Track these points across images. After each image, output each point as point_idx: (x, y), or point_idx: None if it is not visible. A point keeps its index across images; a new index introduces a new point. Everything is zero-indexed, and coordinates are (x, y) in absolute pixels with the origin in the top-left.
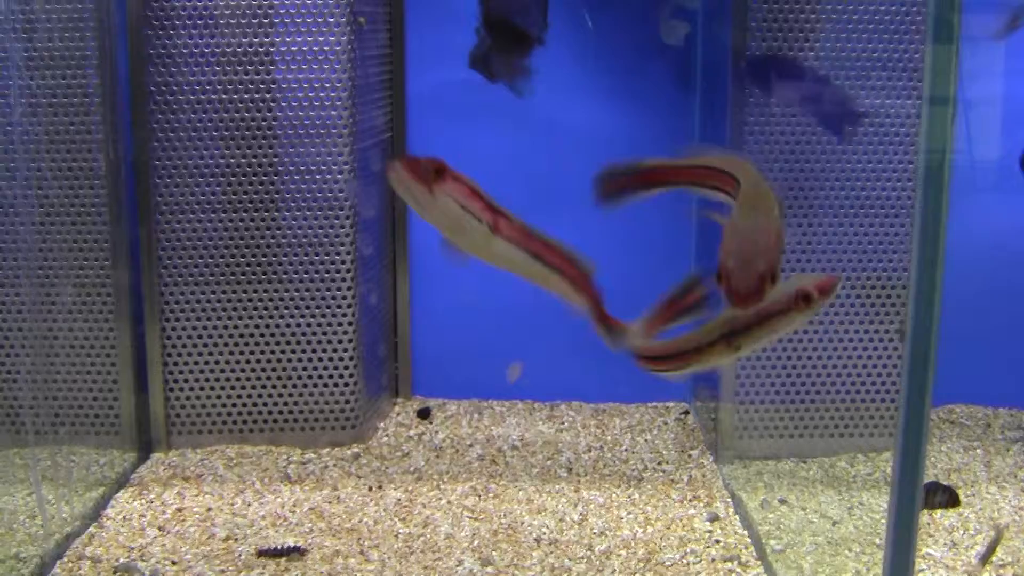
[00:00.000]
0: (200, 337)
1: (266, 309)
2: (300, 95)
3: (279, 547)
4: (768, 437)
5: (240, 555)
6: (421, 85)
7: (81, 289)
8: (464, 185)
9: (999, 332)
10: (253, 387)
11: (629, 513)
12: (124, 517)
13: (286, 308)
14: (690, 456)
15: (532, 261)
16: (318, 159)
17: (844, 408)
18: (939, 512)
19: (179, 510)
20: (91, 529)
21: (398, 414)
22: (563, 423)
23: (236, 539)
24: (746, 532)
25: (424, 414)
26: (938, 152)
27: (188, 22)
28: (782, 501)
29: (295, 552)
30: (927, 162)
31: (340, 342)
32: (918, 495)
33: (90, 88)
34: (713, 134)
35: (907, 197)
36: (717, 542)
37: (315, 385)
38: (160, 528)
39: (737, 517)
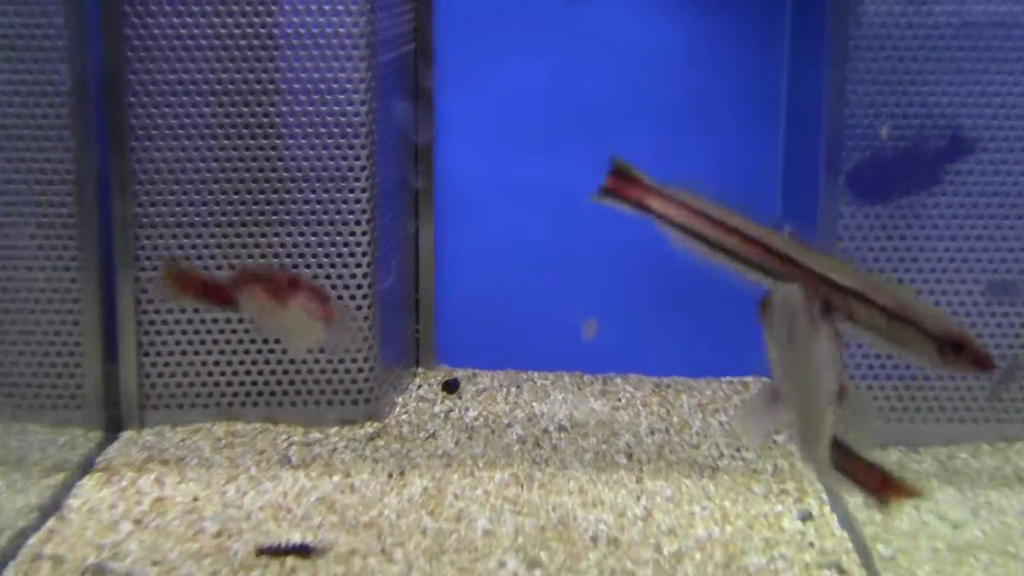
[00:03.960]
0: None
1: (263, 256)
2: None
3: (283, 544)
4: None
5: (236, 553)
6: None
7: (39, 231)
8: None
9: None
10: (246, 352)
11: (703, 509)
12: (91, 508)
13: (287, 255)
14: (775, 442)
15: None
16: (328, 75)
17: (966, 388)
18: None
19: (158, 500)
20: (50, 523)
21: (419, 387)
22: (619, 400)
23: (230, 535)
24: (846, 534)
25: (451, 387)
26: None
27: None
28: None
29: (302, 550)
30: None
31: (352, 298)
32: None
33: (55, 75)
34: (806, 54)
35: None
36: (811, 545)
37: (321, 351)
38: (136, 521)
39: (834, 516)
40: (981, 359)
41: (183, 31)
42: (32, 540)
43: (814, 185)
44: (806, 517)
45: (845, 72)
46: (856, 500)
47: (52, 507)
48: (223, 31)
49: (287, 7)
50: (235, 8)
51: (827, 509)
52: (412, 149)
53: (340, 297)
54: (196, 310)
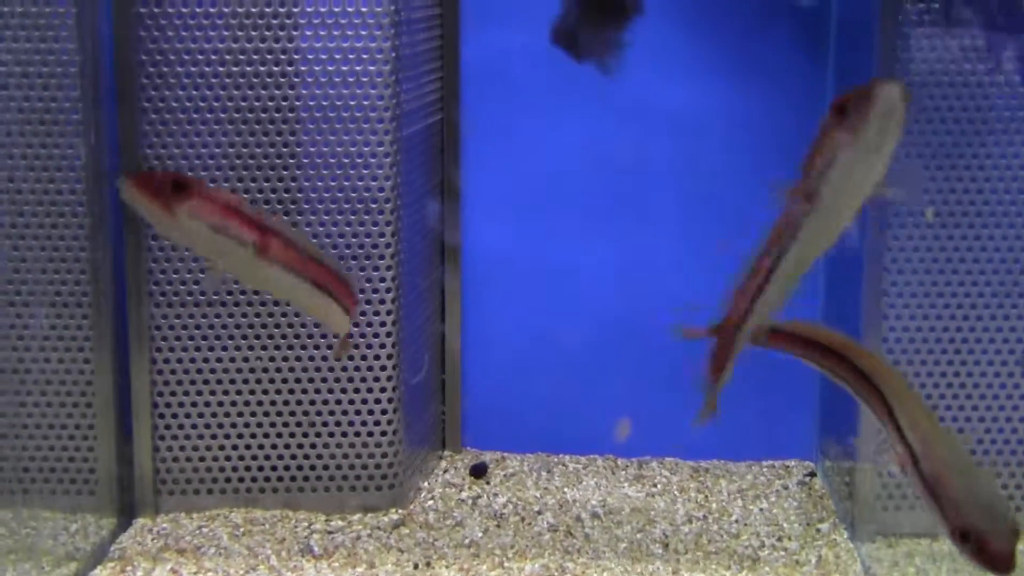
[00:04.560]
0: (200, 372)
1: (283, 337)
2: (330, 68)
3: None
4: (920, 508)
5: None
6: (477, 54)
7: (51, 310)
8: (215, 202)
9: None
10: (266, 436)
11: None
12: None
13: (308, 336)
14: (818, 531)
15: (305, 285)
16: (352, 149)
17: None
18: None
19: None
20: None
21: (446, 471)
22: (655, 485)
23: None
24: None
25: (479, 471)
26: None
27: None
28: None
29: None
30: None
31: (376, 379)
32: None
33: (64, 55)
34: None
35: None
36: None
37: (343, 434)
38: None
39: None
40: (994, 560)
41: (202, 104)
42: None
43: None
44: None
45: None
46: None
47: None
48: (243, 104)
49: (309, 79)
50: (255, 80)
51: None
52: (439, 230)
53: (363, 380)
54: (213, 392)
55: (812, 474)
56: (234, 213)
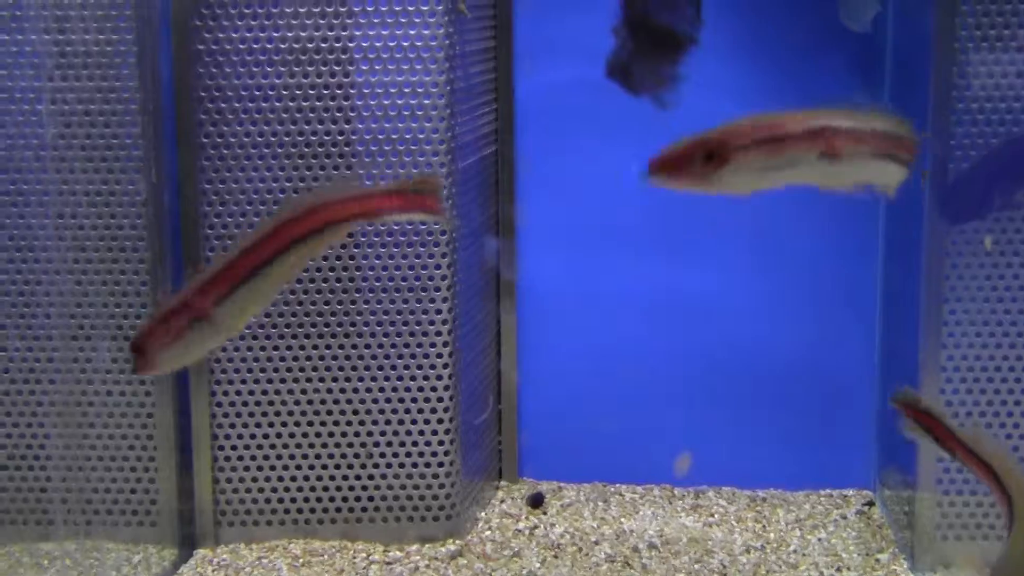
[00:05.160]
0: (258, 404)
1: (340, 369)
2: (386, 102)
3: None
4: (982, 538)
5: None
6: (532, 87)
7: (113, 344)
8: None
9: None
10: (324, 467)
11: None
12: None
13: (366, 368)
14: (878, 561)
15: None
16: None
17: None
18: None
19: None
20: None
21: (503, 501)
22: (712, 515)
23: None
24: None
25: (536, 502)
26: None
27: (245, 11)
28: None
29: None
30: None
31: (433, 411)
32: None
33: (125, 93)
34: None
35: None
36: None
37: (401, 465)
38: None
39: None
40: None
41: (259, 139)
42: None
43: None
44: None
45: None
46: None
47: None
48: (300, 138)
49: (365, 113)
50: (312, 115)
51: None
52: (495, 259)
53: (420, 411)
54: (272, 425)
55: (871, 503)
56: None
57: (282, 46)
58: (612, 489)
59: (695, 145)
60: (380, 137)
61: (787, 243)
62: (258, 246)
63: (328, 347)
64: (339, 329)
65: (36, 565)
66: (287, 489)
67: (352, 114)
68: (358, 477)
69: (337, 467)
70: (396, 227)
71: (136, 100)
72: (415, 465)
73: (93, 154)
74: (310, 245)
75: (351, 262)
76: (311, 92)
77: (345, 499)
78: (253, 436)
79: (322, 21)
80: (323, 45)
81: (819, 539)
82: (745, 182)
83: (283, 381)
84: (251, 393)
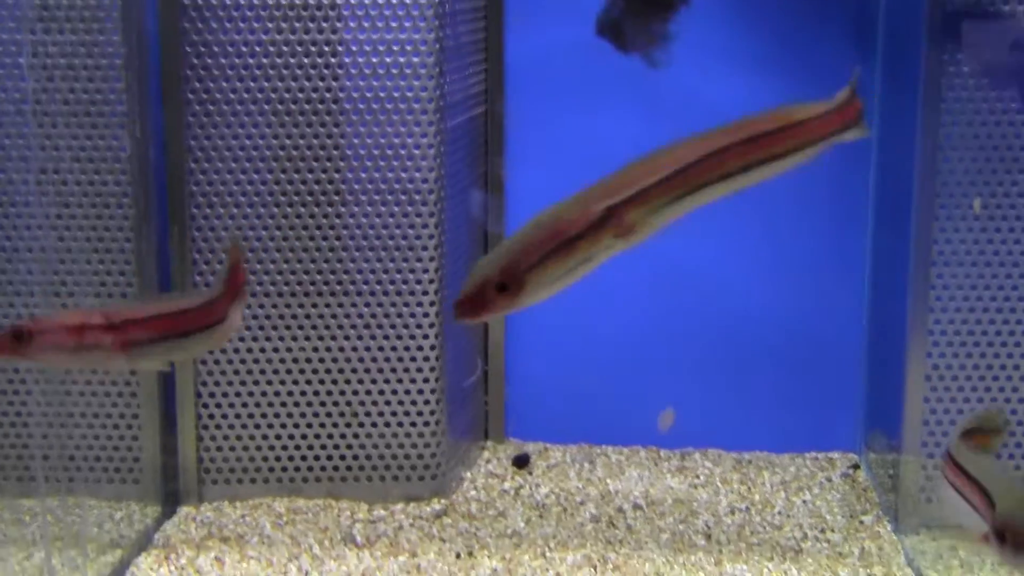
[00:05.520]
0: (243, 363)
1: (327, 328)
2: (374, 60)
3: None
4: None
5: None
6: (522, 47)
7: (97, 301)
8: (58, 329)
9: None
10: (308, 426)
11: None
12: None
13: (352, 327)
14: (862, 523)
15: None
16: (396, 140)
17: None
18: None
19: None
20: None
21: (488, 461)
22: (697, 477)
23: None
24: None
25: (521, 462)
26: None
27: None
28: None
29: None
30: None
31: (419, 370)
32: None
33: (109, 48)
34: (898, 116)
35: None
36: None
37: (386, 424)
38: None
39: None
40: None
41: (245, 95)
42: None
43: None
44: None
45: (939, 138)
46: None
47: None
48: (287, 95)
49: (353, 70)
50: (299, 72)
51: None
52: (482, 219)
53: (407, 370)
54: (256, 383)
55: (856, 466)
56: (79, 329)
57: (270, 2)
58: (598, 450)
59: (485, 282)
60: (368, 95)
61: (775, 209)
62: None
63: (314, 305)
64: (324, 287)
65: (17, 521)
66: (271, 447)
67: (340, 71)
68: (343, 436)
69: (322, 425)
70: (384, 186)
71: (120, 55)
72: (400, 424)
73: (77, 108)
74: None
75: (338, 220)
76: (299, 49)
77: (330, 457)
78: (238, 394)
79: None
80: (311, 1)
81: (804, 501)
82: (553, 288)
83: (268, 339)
84: (236, 351)
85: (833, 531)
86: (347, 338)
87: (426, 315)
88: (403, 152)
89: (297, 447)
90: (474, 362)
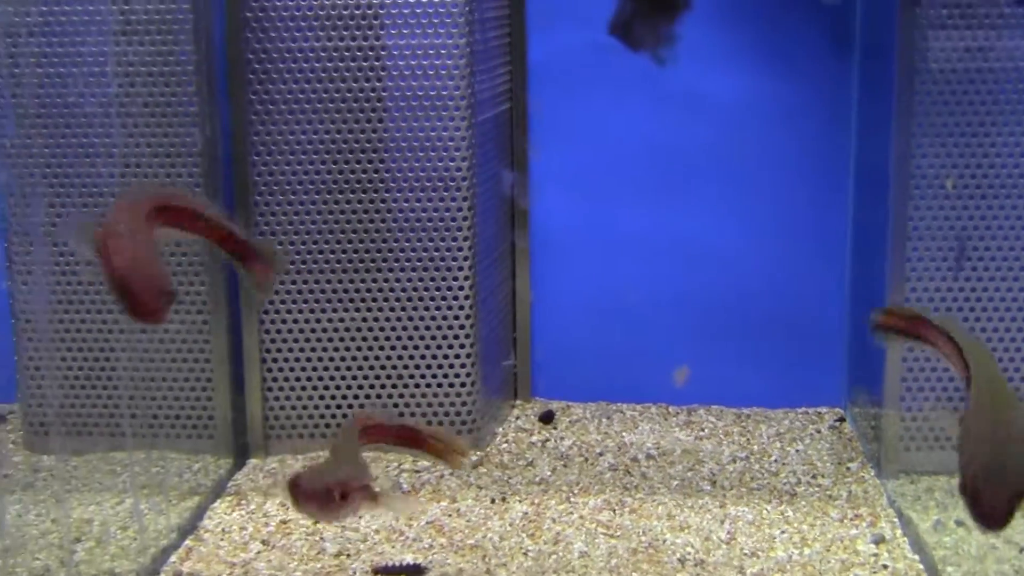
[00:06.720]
0: (301, 331)
1: (374, 300)
2: (412, 62)
3: (398, 564)
4: (940, 449)
5: (355, 572)
6: (543, 50)
7: (174, 279)
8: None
9: None
10: (360, 387)
11: (783, 532)
12: (223, 529)
13: (396, 299)
14: (848, 469)
15: None
16: (432, 134)
17: None
18: None
19: (283, 522)
20: (188, 542)
21: (517, 418)
22: (703, 430)
23: (349, 555)
24: (917, 557)
25: (547, 418)
26: None
27: None
28: (959, 523)
29: (415, 570)
30: None
31: (456, 337)
32: None
33: (182, 56)
34: (873, 111)
35: None
36: (885, 567)
37: (428, 385)
38: (264, 542)
39: (906, 540)
40: (985, 518)
41: (301, 95)
42: (173, 558)
43: (882, 226)
44: (879, 540)
45: (912, 126)
46: (926, 525)
47: (189, 528)
48: (336, 95)
49: (395, 72)
50: (347, 75)
51: (899, 533)
52: (510, 201)
53: (445, 337)
54: (314, 349)
55: (842, 419)
56: None
57: (320, 12)
58: (615, 407)
59: (327, 491)
60: (408, 94)
61: (767, 186)
62: None
63: (363, 280)
64: (372, 264)
65: (111, 471)
66: (328, 406)
67: (383, 73)
68: (390, 396)
69: (371, 387)
70: (423, 174)
71: (192, 62)
72: (440, 385)
73: (155, 110)
74: None
75: (383, 204)
76: (346, 53)
77: None
78: (297, 359)
79: None
80: (356, 12)
81: (797, 450)
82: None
83: (323, 310)
84: (295, 321)
85: (823, 476)
86: (392, 308)
87: (461, 288)
88: (439, 144)
89: (350, 405)
90: (503, 334)
